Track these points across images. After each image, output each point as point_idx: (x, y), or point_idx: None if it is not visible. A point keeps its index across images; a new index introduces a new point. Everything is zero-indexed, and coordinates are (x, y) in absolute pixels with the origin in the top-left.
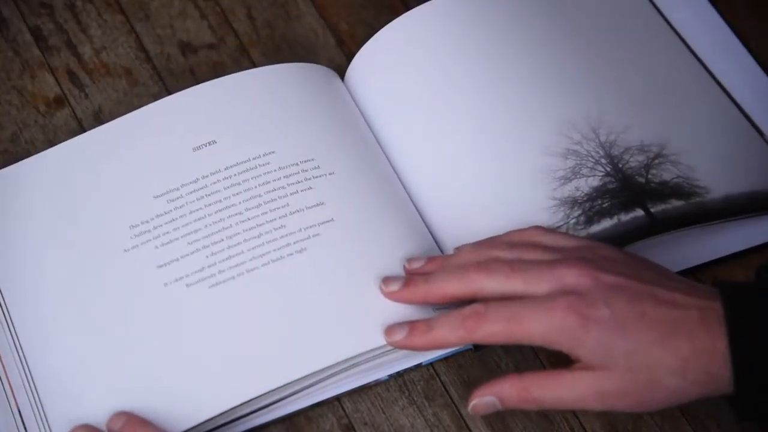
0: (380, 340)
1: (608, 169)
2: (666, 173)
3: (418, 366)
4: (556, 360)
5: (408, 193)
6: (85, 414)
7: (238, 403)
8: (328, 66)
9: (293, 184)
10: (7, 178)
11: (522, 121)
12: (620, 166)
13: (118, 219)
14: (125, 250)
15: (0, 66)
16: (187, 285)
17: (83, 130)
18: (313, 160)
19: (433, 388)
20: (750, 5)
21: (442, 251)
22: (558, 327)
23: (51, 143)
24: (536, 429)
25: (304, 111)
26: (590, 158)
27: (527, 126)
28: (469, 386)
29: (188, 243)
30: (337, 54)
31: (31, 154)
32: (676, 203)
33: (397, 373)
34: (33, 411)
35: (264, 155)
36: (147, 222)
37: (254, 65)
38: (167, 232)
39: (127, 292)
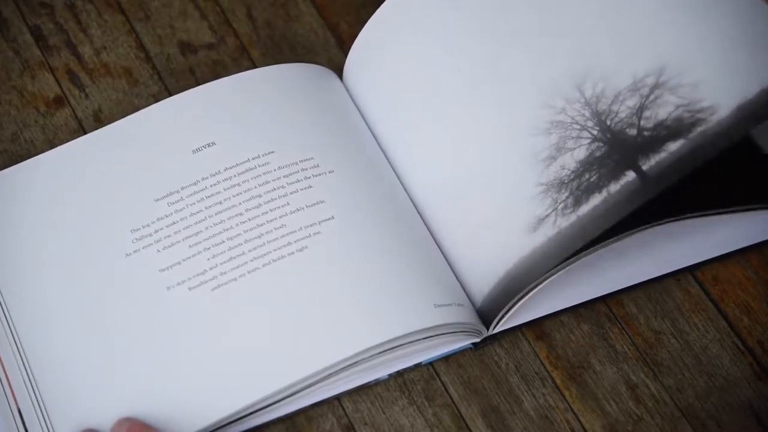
0: (382, 338)
1: (595, 133)
2: (662, 109)
3: (418, 366)
4: (556, 360)
5: (405, 188)
6: (89, 418)
7: (243, 406)
8: (328, 66)
9: (293, 183)
10: (6, 180)
11: (503, 101)
12: (608, 123)
13: (119, 223)
14: (127, 255)
15: (0, 66)
16: (190, 288)
17: (83, 130)
18: (312, 158)
19: (433, 388)
20: None
21: (440, 247)
22: None
23: (51, 143)
24: (536, 429)
25: (302, 110)
26: (575, 125)
27: (509, 105)
28: (469, 386)
29: (189, 246)
30: (337, 54)
31: (31, 154)
32: (673, 147)
33: (397, 372)
34: (36, 414)
35: (263, 155)
36: (148, 225)
37: (254, 65)
38: (168, 236)
39: (130, 297)
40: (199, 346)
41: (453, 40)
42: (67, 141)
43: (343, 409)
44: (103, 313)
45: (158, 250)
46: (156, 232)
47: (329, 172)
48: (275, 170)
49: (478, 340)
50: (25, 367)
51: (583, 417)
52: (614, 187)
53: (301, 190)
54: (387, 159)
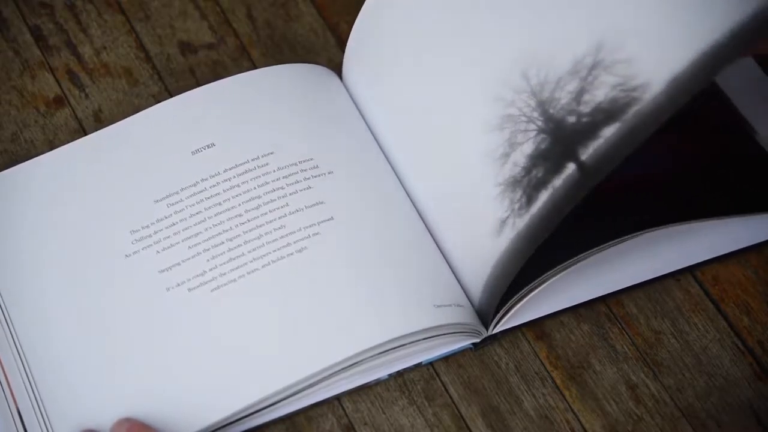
0: (382, 338)
1: (539, 123)
2: (600, 90)
3: (418, 366)
4: (556, 360)
5: (405, 189)
6: (88, 418)
7: (242, 406)
8: (328, 66)
9: (292, 184)
10: (6, 180)
11: (461, 97)
12: (551, 112)
13: (119, 224)
14: (126, 256)
15: (0, 66)
16: (189, 289)
17: (83, 130)
18: (311, 159)
19: (433, 388)
20: None
21: (439, 248)
22: None
23: (51, 143)
24: (536, 429)
25: (301, 111)
26: (523, 118)
27: (465, 100)
28: (469, 386)
29: (189, 247)
30: (337, 54)
31: (31, 154)
32: (608, 132)
33: (398, 372)
34: (36, 415)
35: (263, 156)
36: (147, 227)
37: (254, 65)
38: (168, 237)
39: (129, 298)
40: (199, 347)
41: (426, 36)
42: (67, 141)
43: (343, 409)
44: (102, 313)
45: (158, 251)
46: (155, 233)
47: (328, 173)
48: (274, 171)
49: (477, 340)
50: (25, 368)
51: (583, 417)
52: (558, 182)
53: (301, 191)
54: (387, 159)
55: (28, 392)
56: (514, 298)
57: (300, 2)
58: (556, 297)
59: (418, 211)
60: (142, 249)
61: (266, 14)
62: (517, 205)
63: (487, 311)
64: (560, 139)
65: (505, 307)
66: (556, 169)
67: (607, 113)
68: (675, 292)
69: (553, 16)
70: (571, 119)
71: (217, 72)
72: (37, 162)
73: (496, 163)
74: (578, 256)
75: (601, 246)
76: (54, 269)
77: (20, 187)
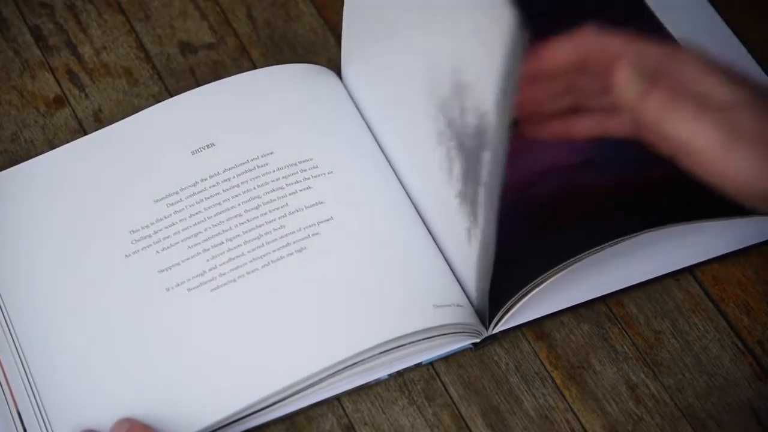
0: (382, 338)
1: (455, 142)
2: (470, 115)
3: (419, 366)
4: (556, 360)
5: (405, 188)
6: (88, 419)
7: (243, 406)
8: (328, 66)
9: (292, 184)
10: (6, 180)
11: (417, 107)
12: (457, 131)
13: (119, 224)
14: (126, 256)
15: (0, 66)
16: (189, 289)
17: (83, 130)
18: (311, 159)
19: (433, 388)
20: None
21: (439, 247)
22: None
23: (51, 143)
24: (536, 429)
25: (301, 111)
26: (447, 134)
27: (420, 111)
28: (469, 386)
29: (188, 247)
30: (337, 54)
31: (31, 154)
32: (486, 157)
33: (398, 372)
34: (35, 416)
35: (262, 156)
36: (147, 227)
37: (254, 65)
38: (167, 237)
39: (129, 298)
40: (199, 347)
41: (396, 35)
42: (67, 141)
43: (343, 409)
44: (102, 313)
45: (157, 251)
46: (155, 233)
47: (328, 173)
48: (274, 171)
49: (477, 340)
50: (24, 369)
51: (583, 417)
52: (481, 199)
53: (300, 191)
54: (386, 159)
55: (27, 393)
56: (513, 298)
57: (300, 2)
58: (556, 297)
59: (417, 211)
60: (142, 249)
61: (266, 14)
62: (471, 218)
63: (486, 310)
64: (469, 160)
65: (504, 307)
66: (476, 188)
67: (480, 138)
68: (675, 292)
69: (439, 32)
70: (467, 142)
71: (217, 72)
72: (37, 162)
73: (448, 176)
74: (578, 256)
75: (601, 246)
76: (54, 269)
77: (20, 187)
